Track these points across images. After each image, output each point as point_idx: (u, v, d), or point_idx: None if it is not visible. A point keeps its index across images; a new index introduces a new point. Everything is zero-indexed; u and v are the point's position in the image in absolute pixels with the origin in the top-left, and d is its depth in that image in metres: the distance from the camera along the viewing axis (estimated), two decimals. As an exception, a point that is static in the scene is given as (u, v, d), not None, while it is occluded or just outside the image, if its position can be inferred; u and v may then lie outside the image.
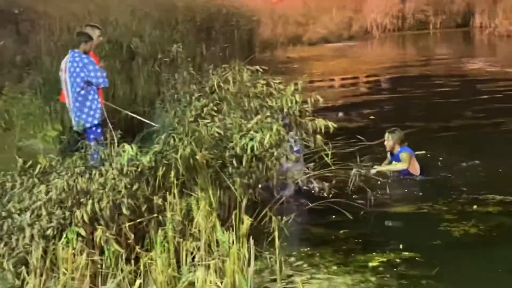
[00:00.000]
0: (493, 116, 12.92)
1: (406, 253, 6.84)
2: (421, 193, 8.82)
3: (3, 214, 6.16)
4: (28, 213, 6.05)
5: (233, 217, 6.33)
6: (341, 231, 7.49)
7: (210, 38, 18.02)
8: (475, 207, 8.11)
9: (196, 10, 20.27)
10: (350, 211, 7.68)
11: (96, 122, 8.74)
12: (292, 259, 6.78)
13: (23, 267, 5.68)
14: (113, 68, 11.93)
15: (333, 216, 7.73)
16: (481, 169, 9.56)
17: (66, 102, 8.88)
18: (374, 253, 6.88)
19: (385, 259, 6.73)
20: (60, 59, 10.17)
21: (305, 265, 6.67)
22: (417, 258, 6.71)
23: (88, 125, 8.75)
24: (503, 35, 26.62)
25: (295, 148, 8.11)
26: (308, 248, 7.09)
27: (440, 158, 10.22)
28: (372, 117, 13.61)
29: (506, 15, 27.02)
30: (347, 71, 21.02)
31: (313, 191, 8.44)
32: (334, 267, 6.59)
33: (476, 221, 7.63)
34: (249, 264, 5.58)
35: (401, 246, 6.97)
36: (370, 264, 6.63)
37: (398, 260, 6.69)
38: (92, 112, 8.74)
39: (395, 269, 6.48)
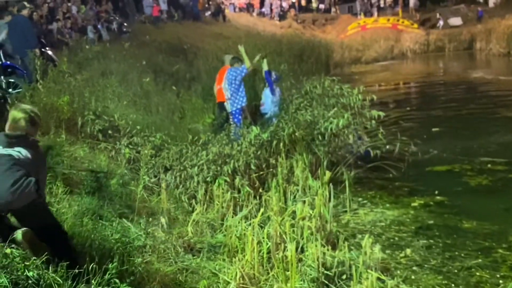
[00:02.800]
0: (490, 107, 12.30)
1: (438, 197, 6.63)
2: (450, 155, 8.41)
3: (181, 168, 6.39)
4: (196, 168, 6.25)
5: (319, 171, 6.34)
6: (395, 182, 7.30)
7: (303, 60, 17.89)
8: (489, 165, 7.73)
9: (293, 42, 20.26)
10: (399, 169, 7.46)
11: (239, 106, 8.75)
12: (359, 199, 6.73)
13: (193, 200, 5.89)
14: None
15: (386, 173, 7.49)
16: (484, 141, 9.08)
17: (226, 95, 8.87)
18: (415, 197, 6.70)
19: (422, 201, 6.56)
20: (213, 77, 10.36)
21: (366, 202, 6.61)
22: (445, 202, 6.50)
23: (236, 107, 8.72)
24: (495, 55, 25.40)
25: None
26: (369, 192, 7.01)
27: (457, 131, 9.89)
28: (408, 108, 13.21)
29: (497, 41, 25.74)
30: (390, 80, 20.45)
31: (370, 156, 8.29)
32: (387, 205, 6.49)
33: (487, 175, 7.31)
34: (329, 201, 5.59)
35: (436, 192, 6.75)
36: (412, 204, 6.48)
37: (431, 202, 6.50)
38: (238, 100, 8.77)
39: (427, 208, 6.31)
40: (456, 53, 29.13)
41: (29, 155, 3.27)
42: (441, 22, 32.13)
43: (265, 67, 9.09)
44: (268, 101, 9.04)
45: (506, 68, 21.72)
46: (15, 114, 3.41)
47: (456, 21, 32.06)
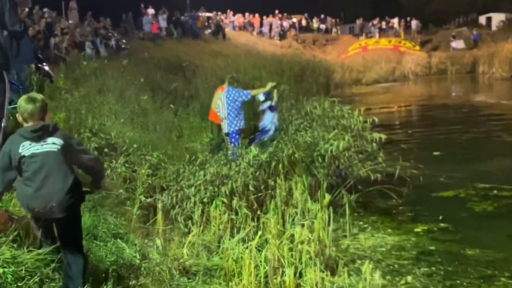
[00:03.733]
0: (492, 131, 12.39)
1: (441, 223, 6.60)
2: (453, 180, 8.39)
3: (178, 188, 6.36)
4: (193, 188, 6.23)
5: (318, 194, 6.32)
6: (398, 207, 7.27)
7: (303, 80, 18.03)
8: (495, 191, 7.71)
9: (294, 62, 20.44)
10: (400, 193, 7.44)
11: (237, 128, 8.75)
12: (359, 223, 6.70)
13: (189, 221, 5.86)
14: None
15: (388, 197, 7.43)
16: (487, 166, 9.10)
17: (221, 115, 8.89)
18: (418, 223, 6.66)
19: (425, 227, 6.52)
20: (211, 94, 10.42)
21: (367, 227, 6.58)
22: (449, 228, 6.48)
23: (234, 128, 8.74)
24: (498, 78, 25.61)
25: None
26: (370, 217, 6.98)
27: (459, 155, 9.94)
28: (409, 131, 13.27)
29: (500, 65, 25.99)
30: (392, 102, 20.57)
31: (369, 180, 8.29)
32: (389, 230, 6.47)
33: (492, 201, 7.30)
34: (329, 224, 5.56)
35: (440, 218, 6.71)
36: (414, 230, 6.46)
37: (434, 228, 6.47)
38: (237, 122, 8.78)
39: (430, 234, 6.29)
40: (458, 76, 29.38)
41: (61, 141, 3.35)
42: (453, 45, 32.21)
43: (261, 98, 9.15)
44: (268, 117, 9.12)
45: (508, 92, 21.91)
46: (28, 106, 3.36)
47: (458, 44, 32.41)
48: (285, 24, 35.53)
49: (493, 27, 34.75)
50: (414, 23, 37.41)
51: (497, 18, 34.94)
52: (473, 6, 40.12)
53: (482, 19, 36.85)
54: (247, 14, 34.33)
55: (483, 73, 28.28)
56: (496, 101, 18.52)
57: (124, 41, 18.13)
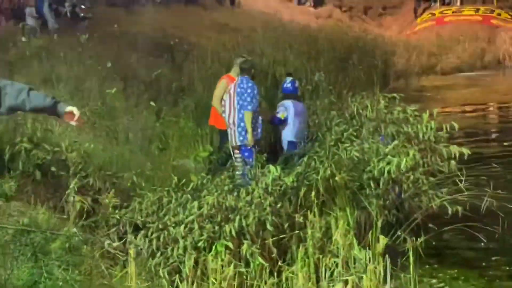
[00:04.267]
0: None
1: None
2: None
3: (160, 226, 6.34)
4: (182, 226, 6.21)
5: (369, 236, 6.27)
6: (488, 255, 7.21)
7: (349, 67, 18.01)
8: None
9: (335, 40, 20.43)
10: (492, 236, 7.36)
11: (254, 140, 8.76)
12: (432, 280, 6.62)
13: (177, 276, 5.82)
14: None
15: (474, 241, 7.37)
16: None
17: (228, 120, 8.95)
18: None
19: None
20: (212, 87, 10.45)
21: (443, 286, 6.49)
22: None
23: (246, 142, 8.77)
24: None
25: None
26: (447, 270, 6.89)
27: None
28: (505, 143, 13.15)
29: None
30: (480, 100, 20.43)
31: (446, 216, 8.21)
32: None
33: None
34: (385, 282, 5.50)
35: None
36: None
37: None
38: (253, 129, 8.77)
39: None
40: None
41: None
42: None
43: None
44: (291, 112, 9.20)
45: None
46: None
47: None
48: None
49: None
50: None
51: None
52: None
53: None
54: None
55: None
56: None
57: (83, 7, 18.20)
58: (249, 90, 8.74)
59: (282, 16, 25.90)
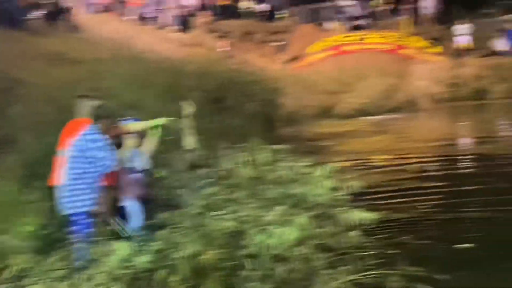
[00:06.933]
0: None
1: None
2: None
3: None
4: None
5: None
6: None
7: (224, 111, 18.10)
8: None
9: (206, 76, 20.44)
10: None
11: (86, 209, 8.65)
12: None
13: None
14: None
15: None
16: None
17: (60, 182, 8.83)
18: None
19: None
20: (44, 136, 10.29)
21: None
22: None
23: (79, 210, 8.65)
24: None
25: None
26: None
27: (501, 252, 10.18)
28: (422, 206, 13.50)
29: None
30: (390, 150, 20.96)
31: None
32: None
33: None
34: None
35: None
36: None
37: None
38: (86, 197, 8.67)
39: None
40: (510, 103, 30.53)
41: None
42: (499, 44, 33.52)
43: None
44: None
45: None
46: None
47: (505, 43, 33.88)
48: (191, 0, 36.05)
49: None
50: (427, 4, 38.90)
51: None
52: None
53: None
54: (116, -17, 34.75)
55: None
56: None
57: None
58: (99, 144, 8.66)
59: (137, 44, 25.80)
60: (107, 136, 8.85)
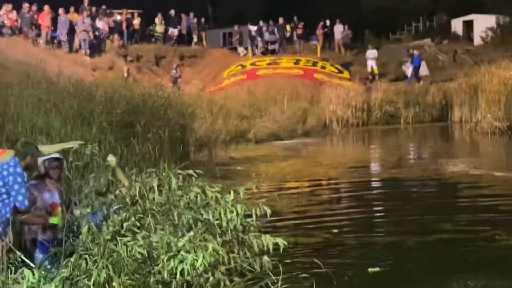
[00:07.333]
0: (480, 228, 13.01)
1: None
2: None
3: None
4: None
5: None
6: None
7: (133, 136, 17.94)
8: None
9: (117, 100, 20.25)
10: None
11: None
12: None
13: None
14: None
15: None
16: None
17: None
18: None
19: None
20: None
21: None
22: None
23: None
24: (486, 131, 27.24)
25: None
26: None
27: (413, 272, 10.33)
28: (335, 230, 13.59)
29: (489, 107, 27.66)
30: (302, 175, 21.11)
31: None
32: None
33: None
34: None
35: None
36: None
37: None
38: None
39: None
40: (419, 127, 31.11)
41: None
42: (408, 70, 34.19)
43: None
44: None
45: (506, 155, 23.42)
46: None
47: (419, 69, 34.54)
48: (101, 24, 35.81)
49: (477, 41, 37.60)
50: (338, 30, 39.42)
51: (483, 22, 37.77)
52: (441, 1, 43.41)
53: (457, 25, 39.81)
54: (26, 5, 34.23)
55: (461, 122, 30.12)
56: (485, 171, 19.67)
57: None
58: (18, 179, 8.45)
59: (47, 68, 25.48)
60: (25, 172, 8.66)
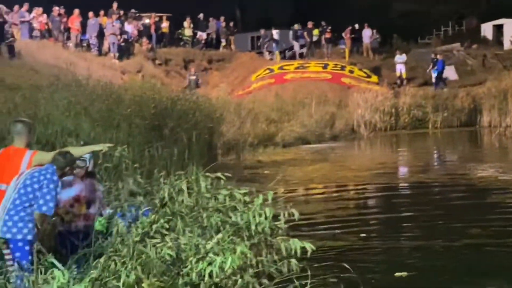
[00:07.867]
0: (508, 234, 12.94)
1: None
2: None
3: None
4: None
5: None
6: None
7: (163, 139, 17.99)
8: None
9: (145, 103, 20.29)
10: None
11: (29, 237, 8.44)
12: None
13: None
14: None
15: None
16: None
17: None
18: None
19: None
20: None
21: None
22: None
23: (18, 236, 8.45)
24: (516, 136, 27.16)
25: None
26: None
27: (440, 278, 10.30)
28: (362, 234, 13.57)
29: (520, 112, 27.63)
30: (330, 179, 21.06)
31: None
32: None
33: None
34: None
35: None
36: None
37: None
38: (26, 223, 8.47)
39: None
40: (448, 132, 30.93)
41: None
42: (434, 74, 34.04)
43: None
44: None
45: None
46: None
47: (448, 73, 34.35)
48: (130, 28, 35.91)
49: (506, 43, 37.35)
50: (366, 35, 39.31)
51: (512, 27, 37.62)
52: (470, 6, 43.23)
53: (487, 29, 39.57)
54: (56, 8, 34.36)
55: (490, 127, 29.94)
56: (515, 177, 19.58)
57: None
58: (51, 186, 8.49)
59: (77, 71, 25.58)
60: (60, 180, 8.71)
